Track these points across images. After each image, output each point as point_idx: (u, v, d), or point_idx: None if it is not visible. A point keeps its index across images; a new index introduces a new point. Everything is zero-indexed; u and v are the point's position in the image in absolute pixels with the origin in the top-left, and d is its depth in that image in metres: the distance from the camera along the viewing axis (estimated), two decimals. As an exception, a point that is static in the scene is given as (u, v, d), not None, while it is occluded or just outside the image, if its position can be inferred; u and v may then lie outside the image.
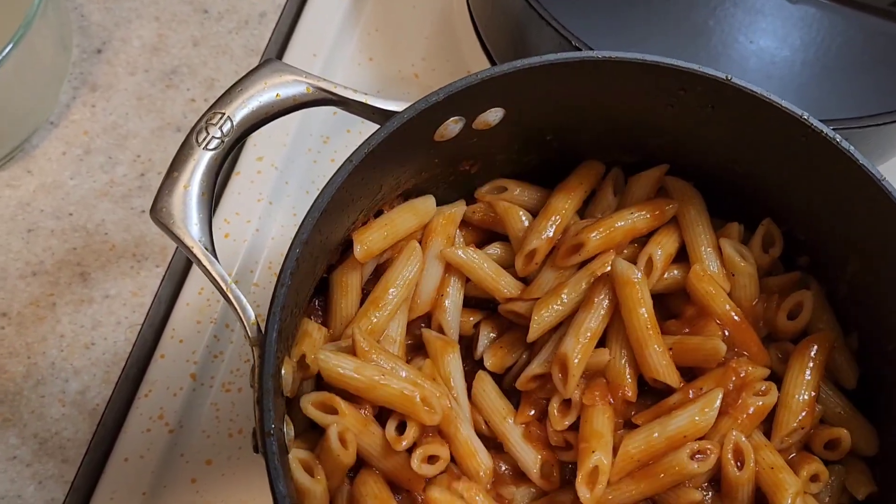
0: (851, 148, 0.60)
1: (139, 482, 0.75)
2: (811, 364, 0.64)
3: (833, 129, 0.61)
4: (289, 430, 0.60)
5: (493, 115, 0.64)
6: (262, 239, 0.84)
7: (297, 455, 0.56)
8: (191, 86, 0.88)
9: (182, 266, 0.83)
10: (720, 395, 0.61)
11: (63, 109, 0.86)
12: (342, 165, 0.57)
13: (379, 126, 0.59)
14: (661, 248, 0.66)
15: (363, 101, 0.60)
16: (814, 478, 0.62)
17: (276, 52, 0.93)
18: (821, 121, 0.67)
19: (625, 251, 0.68)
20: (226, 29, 0.91)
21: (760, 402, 0.61)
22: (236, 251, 0.83)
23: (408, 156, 0.64)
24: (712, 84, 0.62)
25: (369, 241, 0.64)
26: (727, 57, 0.90)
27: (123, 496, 0.74)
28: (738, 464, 0.60)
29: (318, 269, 0.64)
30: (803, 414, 0.62)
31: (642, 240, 0.69)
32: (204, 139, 0.57)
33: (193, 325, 0.80)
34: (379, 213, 0.68)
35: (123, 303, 0.80)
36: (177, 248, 0.81)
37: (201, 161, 0.57)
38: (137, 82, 0.88)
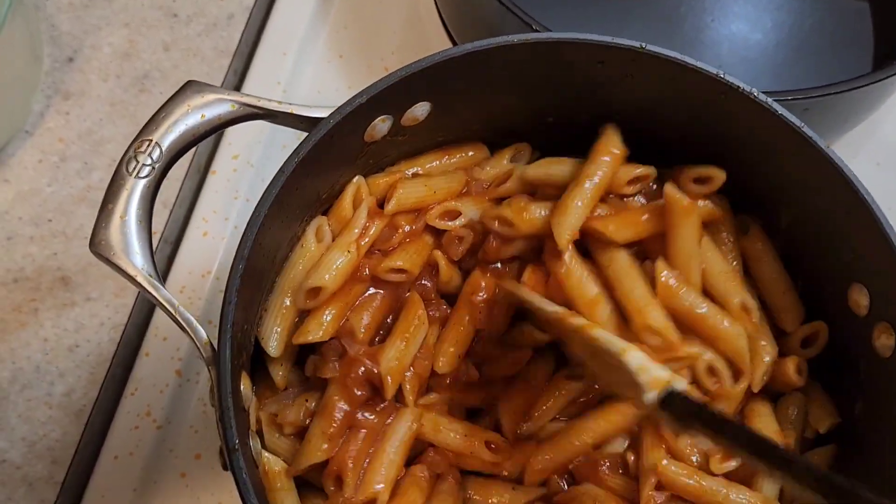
0: (769, 100, 0.61)
1: (129, 479, 0.76)
2: None
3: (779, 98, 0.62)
4: (255, 443, 0.60)
5: (421, 110, 0.65)
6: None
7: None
8: (163, 89, 0.89)
9: (162, 266, 0.84)
10: None
11: (37, 118, 0.87)
12: (274, 177, 0.57)
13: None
14: None
15: (288, 111, 0.60)
16: None
17: (246, 52, 0.94)
18: (779, 92, 0.69)
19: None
20: (195, 32, 0.93)
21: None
22: (216, 249, 0.84)
23: (341, 159, 0.64)
24: (628, 54, 0.62)
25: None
26: (700, 43, 0.92)
27: (114, 494, 0.75)
28: None
29: (265, 283, 0.64)
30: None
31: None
32: (134, 168, 0.57)
33: (176, 323, 0.81)
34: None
35: (106, 304, 0.81)
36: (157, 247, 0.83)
37: (134, 190, 0.57)
38: (110, 88, 0.89)
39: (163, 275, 0.84)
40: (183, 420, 0.78)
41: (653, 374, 0.53)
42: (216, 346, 0.53)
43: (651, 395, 0.52)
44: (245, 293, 0.55)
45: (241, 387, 0.56)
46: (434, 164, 0.70)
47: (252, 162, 0.88)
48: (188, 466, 0.77)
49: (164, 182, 0.59)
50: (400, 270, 0.65)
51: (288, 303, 0.64)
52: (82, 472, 0.76)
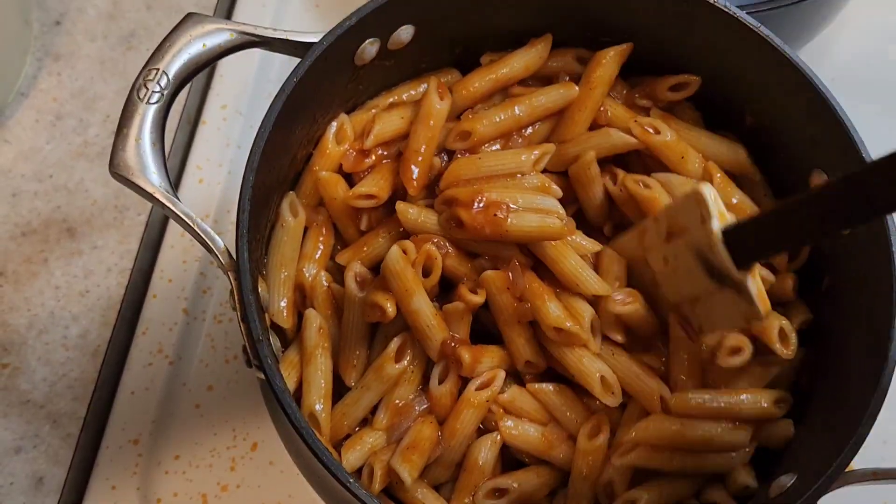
0: (727, 3, 0.66)
1: (147, 412, 0.80)
2: None
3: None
4: (275, 340, 0.65)
5: (406, 33, 0.69)
6: (235, 180, 0.89)
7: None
8: (150, 46, 0.93)
9: (162, 214, 0.88)
10: None
11: (30, 80, 0.91)
12: (276, 97, 0.61)
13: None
14: None
15: (284, 37, 0.64)
16: None
17: (226, 7, 0.98)
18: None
19: (519, 141, 0.72)
20: (176, -10, 0.96)
21: None
22: (211, 194, 0.88)
23: (335, 83, 0.68)
24: None
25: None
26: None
27: (134, 426, 0.79)
28: None
29: (272, 201, 0.68)
30: None
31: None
32: (145, 94, 0.60)
33: (180, 264, 0.85)
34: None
35: (111, 251, 0.85)
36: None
37: (146, 115, 0.60)
38: (98, 48, 0.93)
39: (162, 221, 0.88)
40: (193, 355, 0.83)
41: (721, 208, 0.59)
42: (234, 253, 0.58)
43: (717, 225, 0.58)
44: (256, 202, 0.59)
45: (259, 289, 0.61)
46: (411, 92, 0.75)
47: (241, 110, 0.92)
48: (201, 398, 0.82)
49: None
50: (369, 196, 0.69)
51: (284, 276, 0.68)
52: (102, 407, 0.80)
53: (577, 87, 0.71)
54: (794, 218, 0.55)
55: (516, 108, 0.71)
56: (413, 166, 0.69)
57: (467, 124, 0.70)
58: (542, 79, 0.74)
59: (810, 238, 0.62)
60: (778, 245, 0.60)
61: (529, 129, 0.72)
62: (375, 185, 0.70)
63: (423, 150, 0.70)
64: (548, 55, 0.73)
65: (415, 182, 0.69)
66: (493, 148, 0.71)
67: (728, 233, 0.58)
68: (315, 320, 0.66)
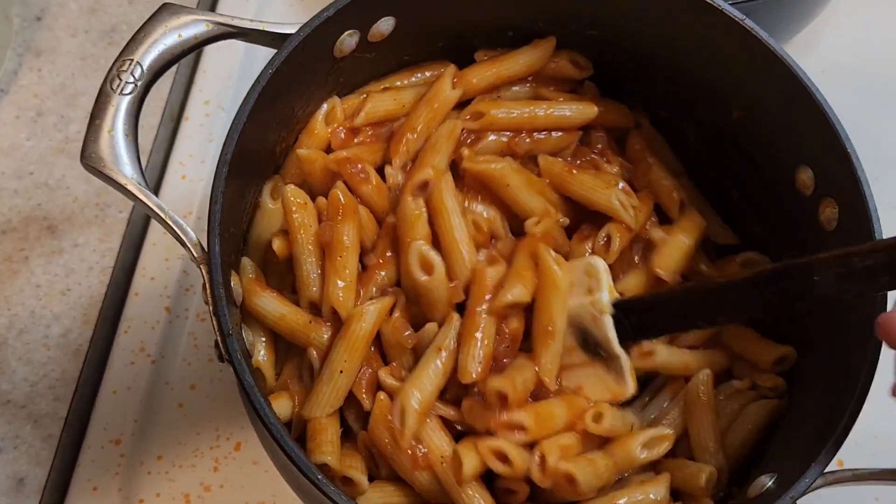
0: None
1: (129, 411, 0.79)
2: None
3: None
4: (248, 334, 0.64)
5: (385, 25, 0.68)
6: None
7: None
8: (131, 41, 0.92)
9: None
10: None
11: (10, 76, 0.90)
12: (251, 88, 0.60)
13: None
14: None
15: (260, 28, 0.63)
16: None
17: (209, 1, 0.97)
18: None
19: (527, 140, 0.72)
20: (158, -16, 0.95)
21: None
22: (194, 190, 0.88)
23: (314, 75, 0.67)
24: None
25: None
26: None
27: (116, 425, 0.78)
28: None
29: (248, 195, 0.67)
30: None
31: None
32: (118, 85, 0.59)
33: (162, 262, 0.84)
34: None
35: (93, 249, 0.84)
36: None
37: (120, 106, 0.59)
38: (79, 43, 0.92)
39: (144, 218, 0.87)
40: (176, 354, 0.82)
41: (610, 282, 0.64)
42: (206, 246, 0.57)
43: (607, 297, 0.63)
44: (229, 195, 0.58)
45: (232, 283, 0.60)
46: (404, 81, 0.74)
47: (224, 106, 0.91)
48: (184, 397, 0.81)
49: (140, 131, 0.61)
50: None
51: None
52: (84, 407, 0.79)
53: (596, 108, 0.73)
54: (695, 301, 0.60)
55: (538, 109, 0.72)
56: (404, 140, 0.69)
57: (483, 106, 0.70)
58: (540, 79, 0.74)
59: (707, 323, 0.65)
60: (673, 328, 0.65)
61: (537, 136, 0.72)
62: (362, 154, 0.69)
63: (419, 128, 0.69)
64: (550, 57, 0.73)
65: (401, 155, 0.69)
66: (502, 139, 0.71)
67: (618, 306, 0.62)
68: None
